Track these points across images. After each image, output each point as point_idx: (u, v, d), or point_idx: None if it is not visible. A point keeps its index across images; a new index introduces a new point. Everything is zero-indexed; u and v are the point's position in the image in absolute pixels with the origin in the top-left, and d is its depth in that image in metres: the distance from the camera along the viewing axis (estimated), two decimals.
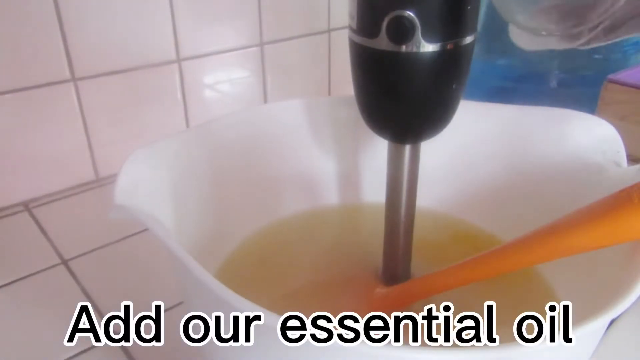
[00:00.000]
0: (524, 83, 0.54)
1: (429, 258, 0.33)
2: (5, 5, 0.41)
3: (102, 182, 0.50)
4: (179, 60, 0.51)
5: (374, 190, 0.37)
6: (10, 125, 0.44)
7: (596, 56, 0.62)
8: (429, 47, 0.22)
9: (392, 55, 0.22)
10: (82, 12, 0.44)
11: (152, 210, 0.23)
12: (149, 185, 0.24)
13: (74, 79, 0.46)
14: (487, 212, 0.34)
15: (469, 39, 0.23)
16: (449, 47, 0.22)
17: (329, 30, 0.63)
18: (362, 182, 0.36)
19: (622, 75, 0.44)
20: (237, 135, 0.32)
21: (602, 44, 0.27)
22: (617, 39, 0.26)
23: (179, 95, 0.53)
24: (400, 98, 0.24)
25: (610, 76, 0.45)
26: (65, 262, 0.39)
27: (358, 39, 0.23)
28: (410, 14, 0.21)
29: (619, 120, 0.45)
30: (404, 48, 0.22)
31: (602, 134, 0.28)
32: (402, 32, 0.21)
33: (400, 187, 0.27)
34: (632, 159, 0.31)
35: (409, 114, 0.24)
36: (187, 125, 0.54)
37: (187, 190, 0.28)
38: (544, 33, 0.27)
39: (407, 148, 0.26)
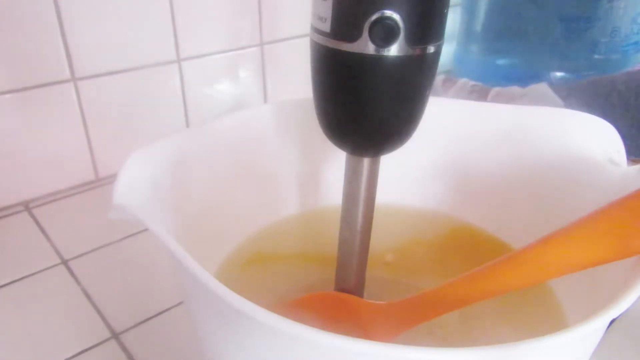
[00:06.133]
0: (524, 83, 0.54)
1: (428, 259, 0.33)
2: (5, 5, 0.41)
3: (102, 182, 0.50)
4: (179, 60, 0.51)
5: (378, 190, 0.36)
6: (10, 125, 0.44)
7: (596, 56, 0.62)
8: (411, 51, 0.21)
9: (374, 60, 0.21)
10: (82, 12, 0.44)
11: (152, 210, 0.23)
12: (148, 185, 0.24)
13: (74, 79, 0.46)
14: (488, 212, 0.34)
15: (442, 42, 0.22)
16: (431, 50, 0.21)
17: None
18: None
19: None
20: (236, 135, 0.32)
21: None
22: None
23: (179, 95, 0.53)
24: (376, 105, 0.22)
25: None
26: (65, 262, 0.39)
27: (332, 43, 0.22)
28: (394, 14, 0.20)
29: None
30: (386, 52, 0.21)
31: (602, 134, 0.28)
32: (387, 34, 0.20)
33: (357, 203, 0.26)
34: (632, 159, 0.31)
35: (381, 122, 0.23)
36: (187, 125, 0.54)
37: (186, 190, 0.28)
38: None
39: (366, 161, 0.25)
